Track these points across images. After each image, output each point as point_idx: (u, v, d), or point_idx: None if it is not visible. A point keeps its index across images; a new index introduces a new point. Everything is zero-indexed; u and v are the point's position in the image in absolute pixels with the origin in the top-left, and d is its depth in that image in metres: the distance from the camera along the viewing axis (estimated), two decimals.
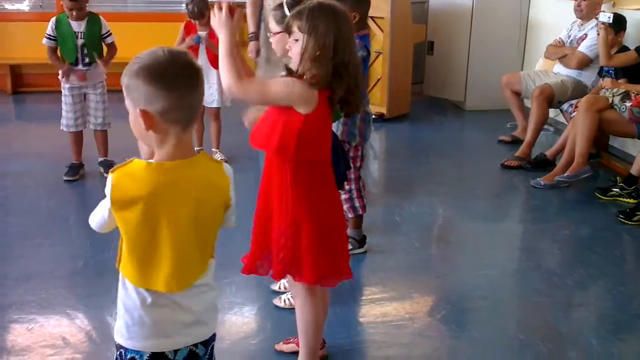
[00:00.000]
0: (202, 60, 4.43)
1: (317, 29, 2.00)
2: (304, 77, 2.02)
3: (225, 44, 2.04)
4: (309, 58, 2.00)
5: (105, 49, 4.32)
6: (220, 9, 2.07)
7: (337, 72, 2.01)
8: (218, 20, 2.06)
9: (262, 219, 2.23)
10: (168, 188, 1.49)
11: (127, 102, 1.50)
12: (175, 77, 1.46)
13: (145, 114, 1.45)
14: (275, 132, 2.06)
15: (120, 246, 1.54)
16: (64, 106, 4.29)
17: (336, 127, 3.06)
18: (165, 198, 1.49)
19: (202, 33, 4.48)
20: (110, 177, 1.48)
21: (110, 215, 1.50)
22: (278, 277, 2.30)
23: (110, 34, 4.30)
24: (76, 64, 4.20)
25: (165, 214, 1.49)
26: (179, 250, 1.52)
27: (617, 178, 4.26)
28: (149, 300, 1.52)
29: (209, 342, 1.64)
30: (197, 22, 4.48)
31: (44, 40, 4.22)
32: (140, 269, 1.52)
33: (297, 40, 2.05)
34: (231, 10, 2.08)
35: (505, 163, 4.81)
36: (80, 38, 4.18)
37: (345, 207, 3.10)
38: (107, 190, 1.48)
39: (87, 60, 4.20)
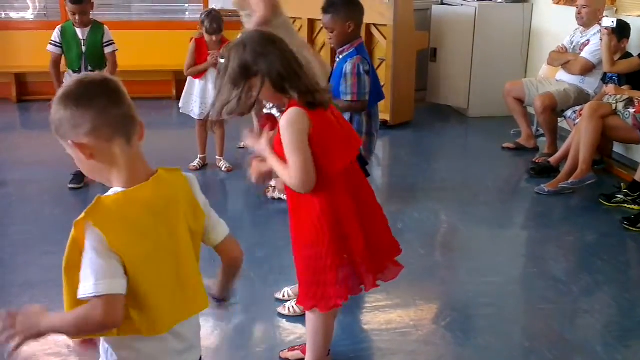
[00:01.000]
0: (212, 72, 4.47)
1: (254, 65, 1.98)
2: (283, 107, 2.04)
3: (272, 158, 2.08)
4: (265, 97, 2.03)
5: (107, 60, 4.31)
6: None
7: (282, 85, 2.01)
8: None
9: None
10: (155, 205, 1.42)
11: (63, 144, 1.43)
12: (87, 93, 1.39)
13: (78, 145, 1.39)
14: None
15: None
16: None
17: None
18: (157, 215, 1.42)
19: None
20: (91, 230, 1.32)
21: (115, 270, 1.33)
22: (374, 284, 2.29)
23: (112, 44, 4.29)
24: (79, 72, 4.21)
25: (167, 236, 1.42)
26: (193, 268, 1.49)
27: (622, 184, 4.26)
28: (142, 343, 1.44)
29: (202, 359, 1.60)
30: (212, 36, 4.48)
31: (49, 47, 4.21)
32: (155, 306, 1.40)
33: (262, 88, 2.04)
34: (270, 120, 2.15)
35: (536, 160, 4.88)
36: (83, 45, 4.19)
37: None
38: (97, 245, 1.32)
39: (89, 68, 4.21)
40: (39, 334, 1.45)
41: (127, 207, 1.39)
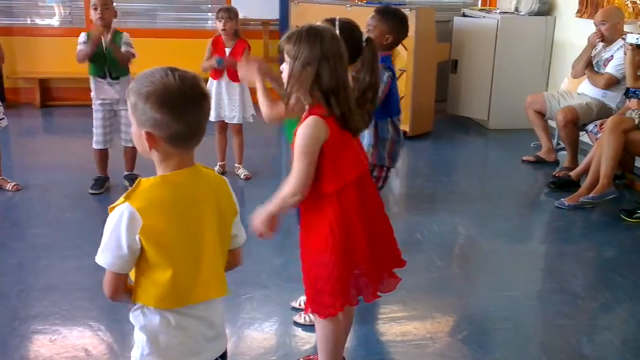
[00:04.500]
0: (223, 77, 4.49)
1: (301, 54, 2.01)
2: (289, 100, 2.06)
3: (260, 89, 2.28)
4: (293, 83, 2.03)
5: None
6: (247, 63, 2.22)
7: (327, 98, 2.02)
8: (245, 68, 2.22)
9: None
10: (193, 195, 1.51)
11: (132, 118, 1.50)
12: (184, 105, 1.45)
13: (150, 136, 1.46)
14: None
15: (138, 285, 1.52)
16: (94, 122, 4.33)
17: (367, 151, 3.08)
18: (194, 205, 1.51)
19: (227, 49, 4.52)
20: (126, 207, 1.44)
21: (132, 249, 1.45)
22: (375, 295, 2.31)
23: (127, 44, 4.26)
24: (104, 77, 4.25)
25: (198, 221, 1.52)
26: (214, 254, 1.56)
27: None
28: (173, 321, 1.53)
29: (225, 355, 1.66)
30: (222, 24, 4.45)
31: (79, 47, 4.20)
32: (180, 283, 1.50)
33: (286, 63, 2.08)
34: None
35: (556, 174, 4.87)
36: (105, 52, 4.20)
37: None
38: (127, 224, 1.43)
39: (114, 75, 4.25)
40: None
41: (164, 189, 1.48)
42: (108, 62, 4.22)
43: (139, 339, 1.56)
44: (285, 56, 2.07)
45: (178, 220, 1.49)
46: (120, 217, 1.44)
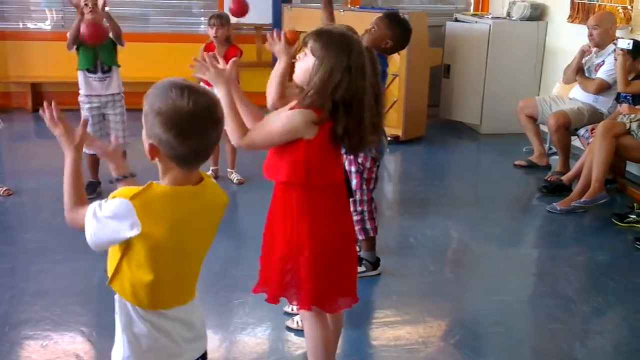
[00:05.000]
0: None
1: (327, 59, 1.99)
2: (303, 99, 2.03)
3: (225, 97, 2.04)
4: (313, 85, 2.01)
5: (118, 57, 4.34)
6: (279, 37, 2.12)
7: (337, 107, 2.00)
8: (212, 73, 2.08)
9: (268, 246, 2.25)
10: (194, 213, 1.52)
11: (143, 122, 1.49)
12: (192, 130, 1.44)
13: (154, 149, 1.46)
14: (283, 163, 2.09)
15: (118, 272, 1.52)
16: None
17: None
18: (192, 223, 1.52)
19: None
20: (129, 204, 1.43)
21: (121, 239, 1.46)
22: (274, 299, 2.26)
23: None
24: (95, 71, 4.25)
25: (191, 237, 1.53)
26: (197, 266, 1.60)
27: (634, 204, 4.23)
28: (159, 323, 1.54)
29: (205, 355, 1.68)
30: (213, 31, 4.46)
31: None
32: (161, 289, 1.52)
33: (306, 55, 2.05)
34: (292, 37, 2.12)
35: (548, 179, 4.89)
36: (98, 50, 4.21)
37: (356, 228, 3.09)
38: (127, 216, 1.43)
39: (105, 67, 4.25)
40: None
41: (170, 201, 1.48)
42: (100, 51, 4.21)
43: (121, 341, 1.56)
44: (308, 51, 2.05)
45: (173, 235, 1.48)
46: (118, 212, 1.44)
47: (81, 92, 4.33)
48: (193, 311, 1.61)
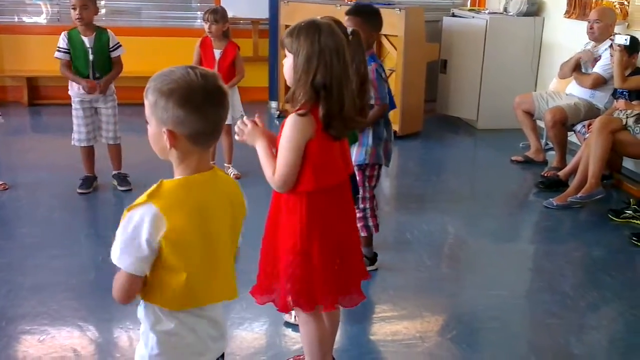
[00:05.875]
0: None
1: (301, 49, 2.00)
2: (292, 101, 2.04)
3: (262, 149, 2.09)
4: (298, 77, 2.02)
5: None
6: (245, 124, 2.13)
7: (317, 92, 2.00)
8: (247, 133, 2.11)
9: (269, 249, 2.24)
10: (212, 199, 1.52)
11: (150, 118, 1.49)
12: (207, 102, 1.45)
13: (172, 134, 1.45)
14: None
15: (148, 284, 1.49)
16: (75, 120, 4.29)
17: (364, 151, 3.08)
18: (213, 209, 1.51)
19: (215, 50, 4.50)
20: (149, 207, 1.41)
21: (152, 250, 1.43)
22: (285, 309, 2.27)
23: (119, 47, 4.24)
24: (87, 77, 4.17)
25: (215, 224, 1.52)
26: (227, 257, 1.59)
27: (631, 200, 4.24)
28: (185, 322, 1.53)
29: (224, 355, 1.67)
30: (208, 26, 4.43)
31: (57, 54, 4.16)
32: (190, 290, 1.49)
33: (287, 56, 2.07)
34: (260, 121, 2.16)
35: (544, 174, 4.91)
36: (91, 54, 4.15)
37: (358, 225, 3.10)
38: (150, 225, 1.40)
39: (97, 75, 4.19)
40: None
41: (187, 190, 1.48)
42: (93, 64, 4.17)
43: (148, 339, 1.54)
44: (286, 51, 2.06)
45: (199, 223, 1.48)
46: (142, 217, 1.41)
47: (70, 91, 4.28)
48: (218, 308, 1.61)
